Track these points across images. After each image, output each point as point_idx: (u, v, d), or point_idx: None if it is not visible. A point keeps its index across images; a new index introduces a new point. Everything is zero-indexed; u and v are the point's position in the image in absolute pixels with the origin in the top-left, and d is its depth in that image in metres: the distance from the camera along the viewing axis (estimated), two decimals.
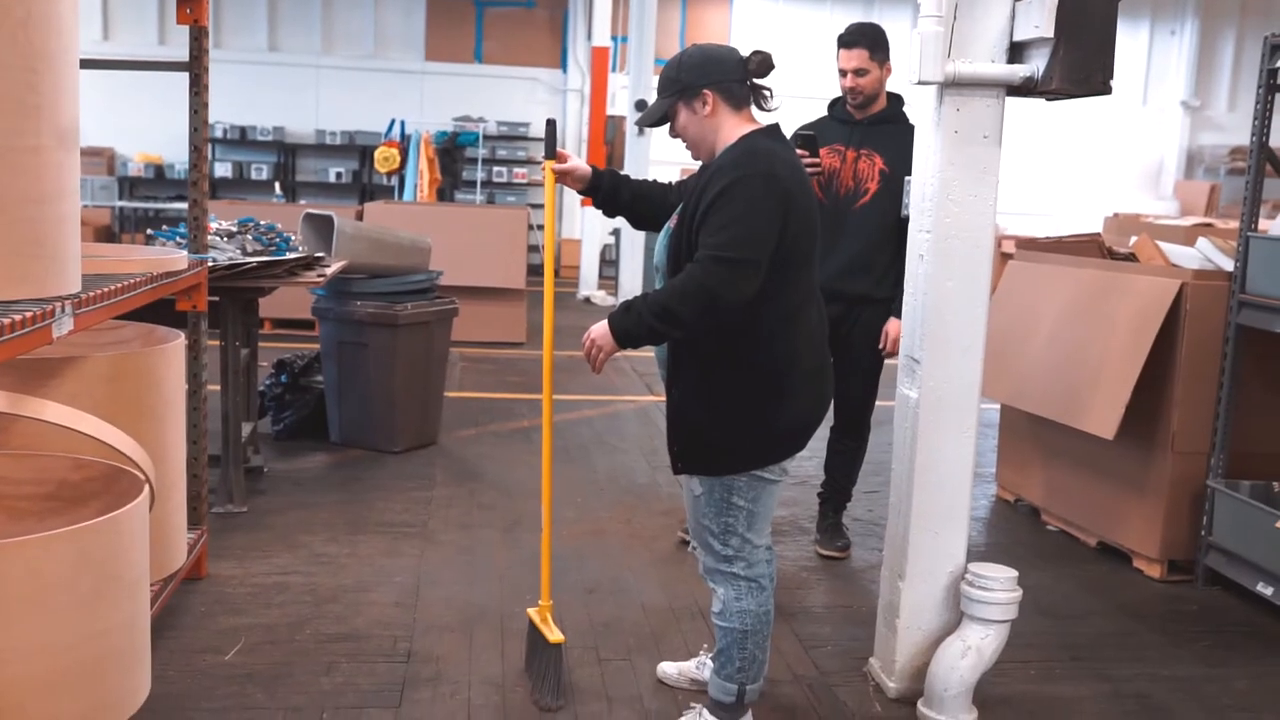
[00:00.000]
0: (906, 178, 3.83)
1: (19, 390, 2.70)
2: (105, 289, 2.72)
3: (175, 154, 14.47)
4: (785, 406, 2.71)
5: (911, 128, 3.56)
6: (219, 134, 14.60)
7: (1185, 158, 17.38)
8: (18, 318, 2.19)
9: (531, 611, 3.22)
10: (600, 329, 2.71)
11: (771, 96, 2.80)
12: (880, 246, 4.14)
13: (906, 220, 3.42)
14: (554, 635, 3.09)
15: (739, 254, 2.54)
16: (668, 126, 2.83)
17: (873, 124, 4.21)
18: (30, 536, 2.27)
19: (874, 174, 4.16)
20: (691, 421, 2.76)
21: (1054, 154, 16.69)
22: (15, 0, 2.31)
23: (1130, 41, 16.89)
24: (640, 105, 9.60)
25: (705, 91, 2.71)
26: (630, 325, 2.65)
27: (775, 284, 2.62)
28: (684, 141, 2.82)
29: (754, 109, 2.79)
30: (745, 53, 2.77)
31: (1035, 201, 16.49)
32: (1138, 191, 17.18)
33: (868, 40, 4.13)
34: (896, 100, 4.23)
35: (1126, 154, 17.20)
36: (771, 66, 2.74)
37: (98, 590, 2.37)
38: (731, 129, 2.73)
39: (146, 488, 2.61)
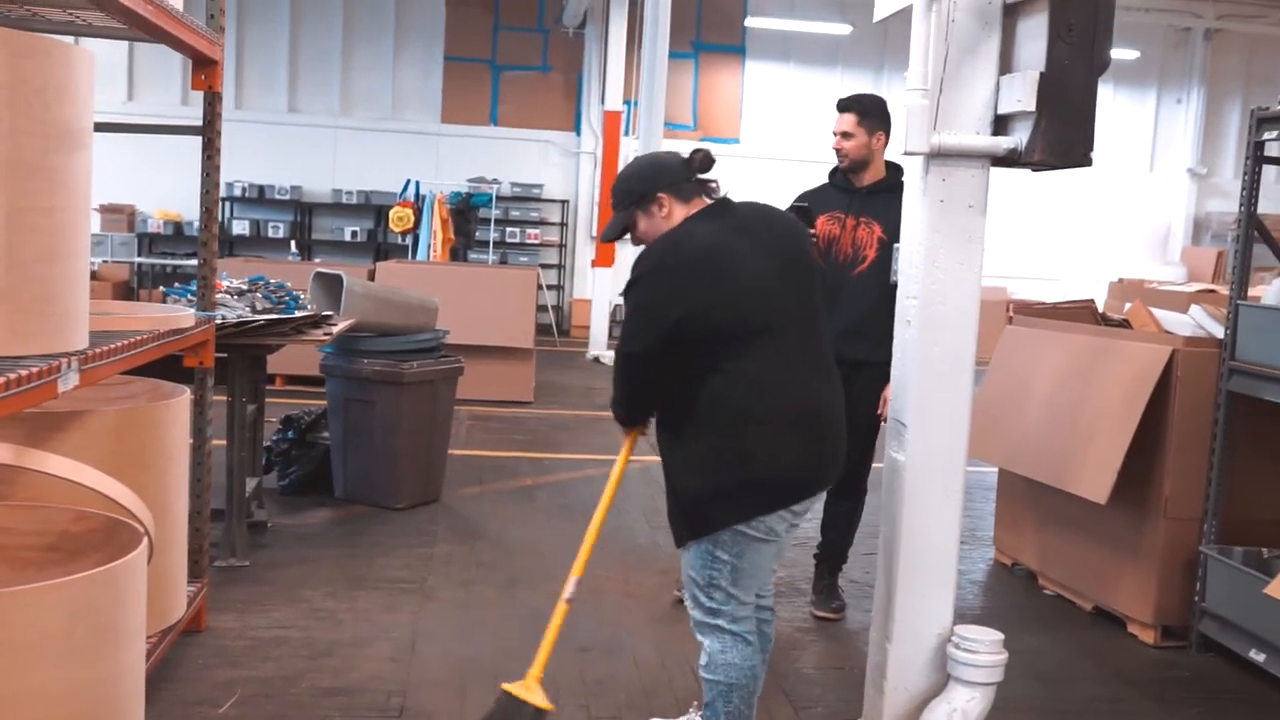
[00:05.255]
0: (895, 245, 3.91)
1: (26, 442, 2.77)
2: (111, 346, 2.80)
3: (194, 212, 14.54)
4: (751, 455, 2.76)
5: None
6: (238, 192, 14.84)
7: (1192, 224, 17.50)
8: (24, 373, 2.26)
9: (513, 687, 3.09)
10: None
11: (718, 188, 2.99)
12: (878, 312, 4.19)
13: (896, 286, 3.49)
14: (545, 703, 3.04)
15: (626, 347, 2.86)
16: (630, 237, 3.02)
17: (872, 193, 4.31)
18: (27, 586, 2.32)
19: (872, 241, 4.25)
20: (674, 485, 2.89)
21: (1063, 219, 16.85)
22: (33, 70, 2.42)
23: (1138, 109, 17.08)
24: None
25: (660, 195, 2.90)
26: (612, 411, 3.08)
27: (712, 355, 2.75)
28: (645, 245, 2.98)
29: (704, 197, 2.96)
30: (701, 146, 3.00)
31: (1045, 266, 16.62)
32: (1146, 257, 17.28)
33: (859, 107, 4.28)
34: (896, 170, 4.32)
35: (1135, 220, 17.33)
36: (713, 161, 2.97)
37: (93, 640, 2.42)
38: (680, 220, 2.91)
39: (145, 540, 2.66)
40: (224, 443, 4.65)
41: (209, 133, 3.88)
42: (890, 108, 4.34)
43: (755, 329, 2.77)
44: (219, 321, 4.24)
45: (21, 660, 2.29)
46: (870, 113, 4.27)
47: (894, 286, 4.06)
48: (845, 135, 4.28)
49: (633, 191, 2.93)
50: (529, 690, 3.04)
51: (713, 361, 2.75)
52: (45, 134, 2.45)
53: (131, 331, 3.06)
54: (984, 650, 3.07)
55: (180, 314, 3.50)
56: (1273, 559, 4.15)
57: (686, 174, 2.92)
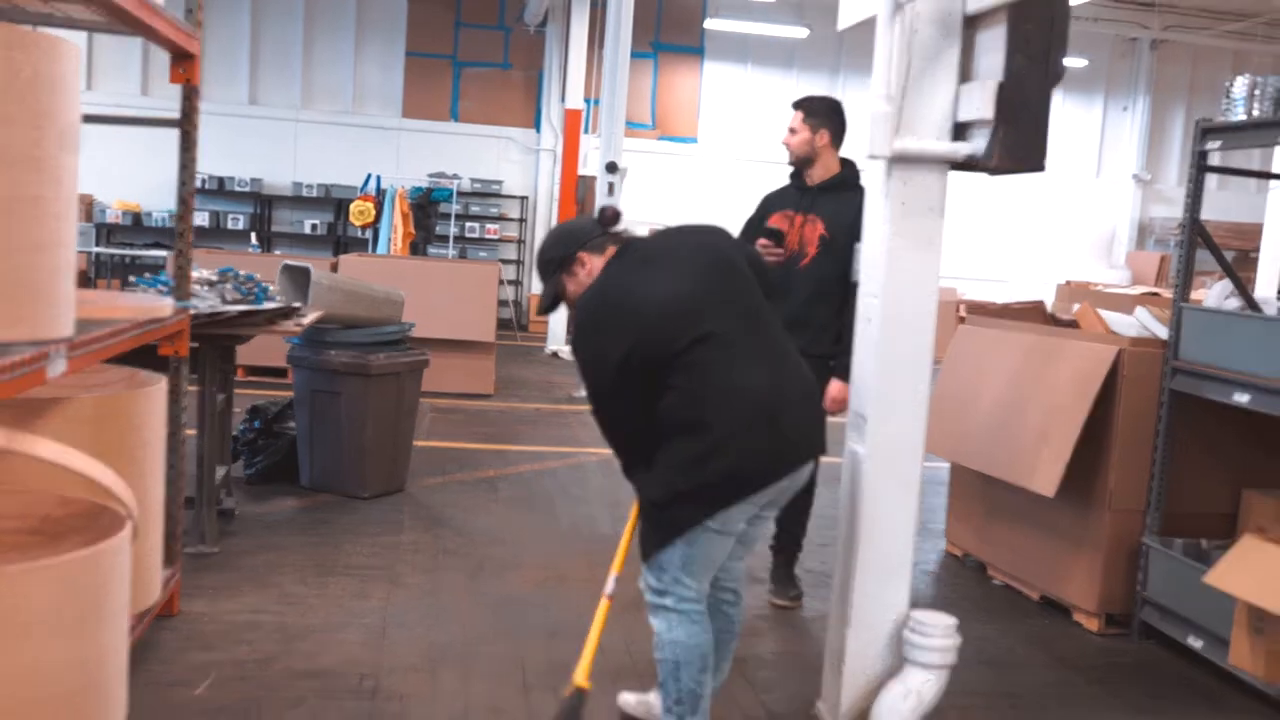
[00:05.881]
0: (856, 244, 4.05)
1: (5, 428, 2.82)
2: (96, 333, 2.86)
3: (153, 202, 14.61)
4: (705, 457, 2.86)
5: (859, 192, 3.80)
6: (197, 183, 14.70)
7: (1136, 229, 17.93)
8: (15, 359, 2.32)
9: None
10: None
11: (627, 235, 3.18)
12: (816, 304, 4.35)
13: (856, 285, 3.62)
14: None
15: (590, 400, 3.03)
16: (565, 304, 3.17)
17: (822, 190, 4.47)
18: (19, 566, 2.38)
19: (815, 238, 4.40)
20: (642, 500, 3.06)
21: (1012, 223, 17.20)
22: (24, 61, 2.48)
23: (1085, 116, 17.45)
24: (611, 167, 9.85)
25: (579, 255, 3.08)
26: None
27: (661, 378, 2.88)
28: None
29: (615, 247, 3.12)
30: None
31: (993, 268, 16.95)
32: (1092, 260, 17.69)
33: (807, 106, 4.51)
34: (848, 166, 4.47)
35: (1081, 224, 17.74)
36: (620, 215, 3.17)
37: (80, 621, 2.48)
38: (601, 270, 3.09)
39: (129, 523, 2.73)
40: (194, 432, 4.70)
41: (186, 125, 3.94)
42: (845, 110, 4.52)
43: (689, 343, 2.87)
44: (193, 312, 4.29)
45: (12, 639, 2.34)
46: (815, 111, 4.46)
47: (837, 280, 4.31)
48: (791, 131, 4.51)
49: (554, 260, 3.11)
50: (572, 683, 3.21)
51: (663, 383, 2.88)
52: (36, 124, 2.51)
53: (114, 320, 3.12)
54: (938, 634, 3.22)
55: (159, 304, 3.55)
56: (1211, 550, 4.34)
57: (598, 231, 3.11)
